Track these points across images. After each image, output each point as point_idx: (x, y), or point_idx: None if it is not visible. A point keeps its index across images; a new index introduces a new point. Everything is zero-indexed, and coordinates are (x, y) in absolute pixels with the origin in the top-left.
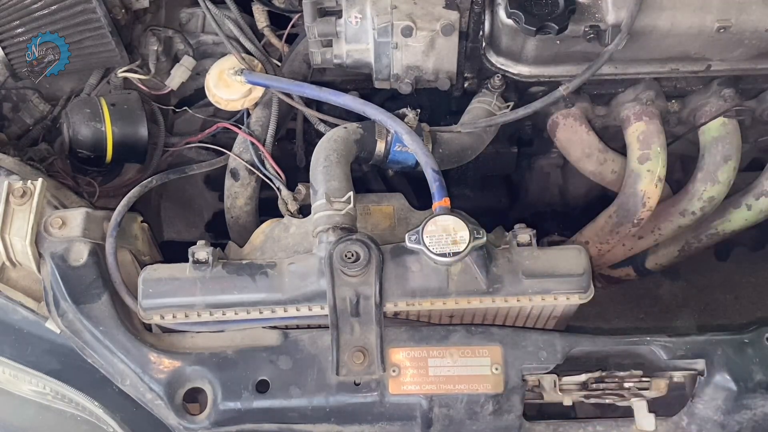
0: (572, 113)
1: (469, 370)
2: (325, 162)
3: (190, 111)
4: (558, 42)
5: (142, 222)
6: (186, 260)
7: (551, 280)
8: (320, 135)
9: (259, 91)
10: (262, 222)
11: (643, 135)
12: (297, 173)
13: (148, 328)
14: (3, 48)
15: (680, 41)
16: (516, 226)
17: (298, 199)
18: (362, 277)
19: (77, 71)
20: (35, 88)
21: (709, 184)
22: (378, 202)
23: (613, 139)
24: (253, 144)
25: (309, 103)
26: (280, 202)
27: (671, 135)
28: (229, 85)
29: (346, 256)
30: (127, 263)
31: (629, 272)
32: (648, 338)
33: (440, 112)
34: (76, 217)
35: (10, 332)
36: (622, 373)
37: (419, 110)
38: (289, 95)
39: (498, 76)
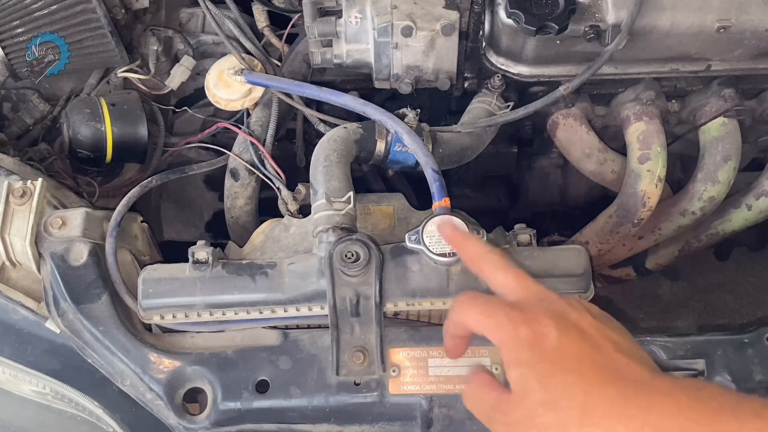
0: (572, 113)
1: (469, 370)
2: (325, 162)
3: (190, 111)
4: (558, 42)
5: (142, 222)
6: (186, 260)
7: (551, 280)
8: (320, 135)
9: (259, 91)
10: (262, 222)
11: (643, 135)
12: (297, 173)
13: (148, 328)
14: (3, 48)
15: (680, 41)
16: (516, 226)
17: (298, 199)
18: (362, 277)
19: (77, 71)
20: (35, 88)
21: (709, 184)
22: (378, 202)
23: (613, 139)
24: (253, 144)
25: (309, 103)
26: (280, 202)
27: (671, 135)
28: (229, 85)
29: (346, 256)
30: (127, 263)
31: (629, 272)
32: (648, 338)
33: (440, 112)
34: (76, 217)
35: (10, 332)
36: None
37: (419, 110)
38: (289, 95)
39: (498, 76)
